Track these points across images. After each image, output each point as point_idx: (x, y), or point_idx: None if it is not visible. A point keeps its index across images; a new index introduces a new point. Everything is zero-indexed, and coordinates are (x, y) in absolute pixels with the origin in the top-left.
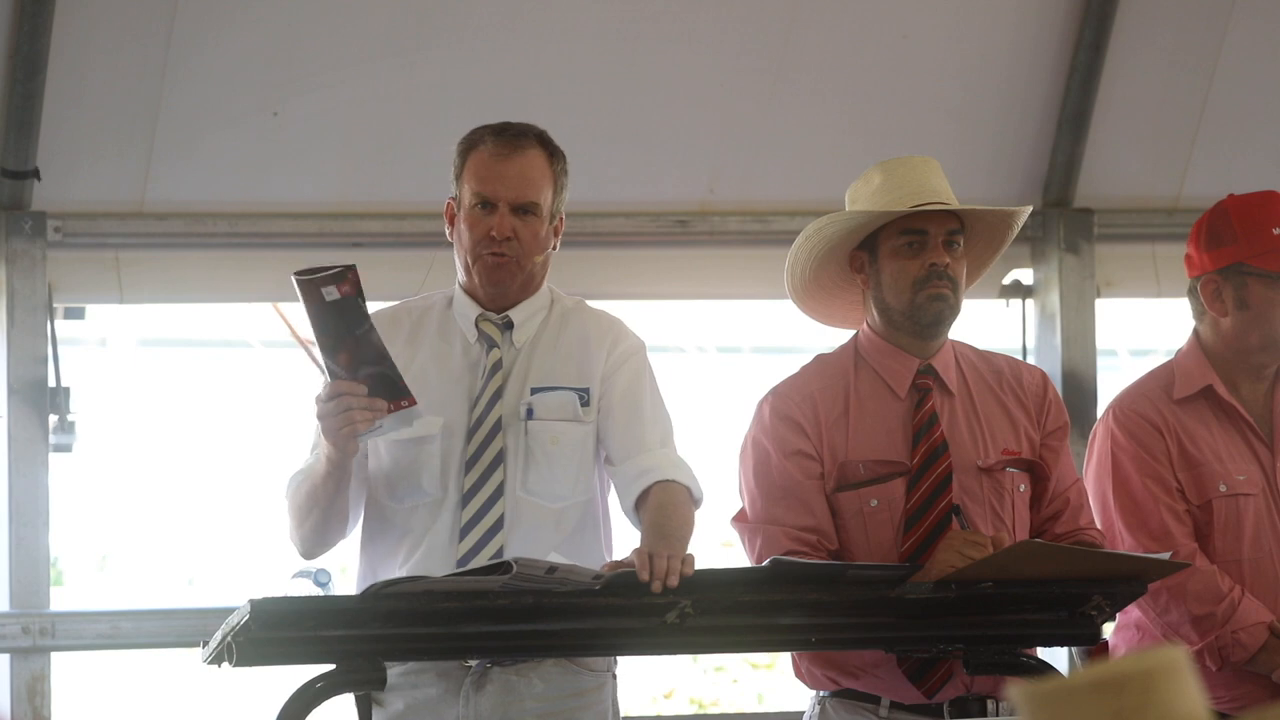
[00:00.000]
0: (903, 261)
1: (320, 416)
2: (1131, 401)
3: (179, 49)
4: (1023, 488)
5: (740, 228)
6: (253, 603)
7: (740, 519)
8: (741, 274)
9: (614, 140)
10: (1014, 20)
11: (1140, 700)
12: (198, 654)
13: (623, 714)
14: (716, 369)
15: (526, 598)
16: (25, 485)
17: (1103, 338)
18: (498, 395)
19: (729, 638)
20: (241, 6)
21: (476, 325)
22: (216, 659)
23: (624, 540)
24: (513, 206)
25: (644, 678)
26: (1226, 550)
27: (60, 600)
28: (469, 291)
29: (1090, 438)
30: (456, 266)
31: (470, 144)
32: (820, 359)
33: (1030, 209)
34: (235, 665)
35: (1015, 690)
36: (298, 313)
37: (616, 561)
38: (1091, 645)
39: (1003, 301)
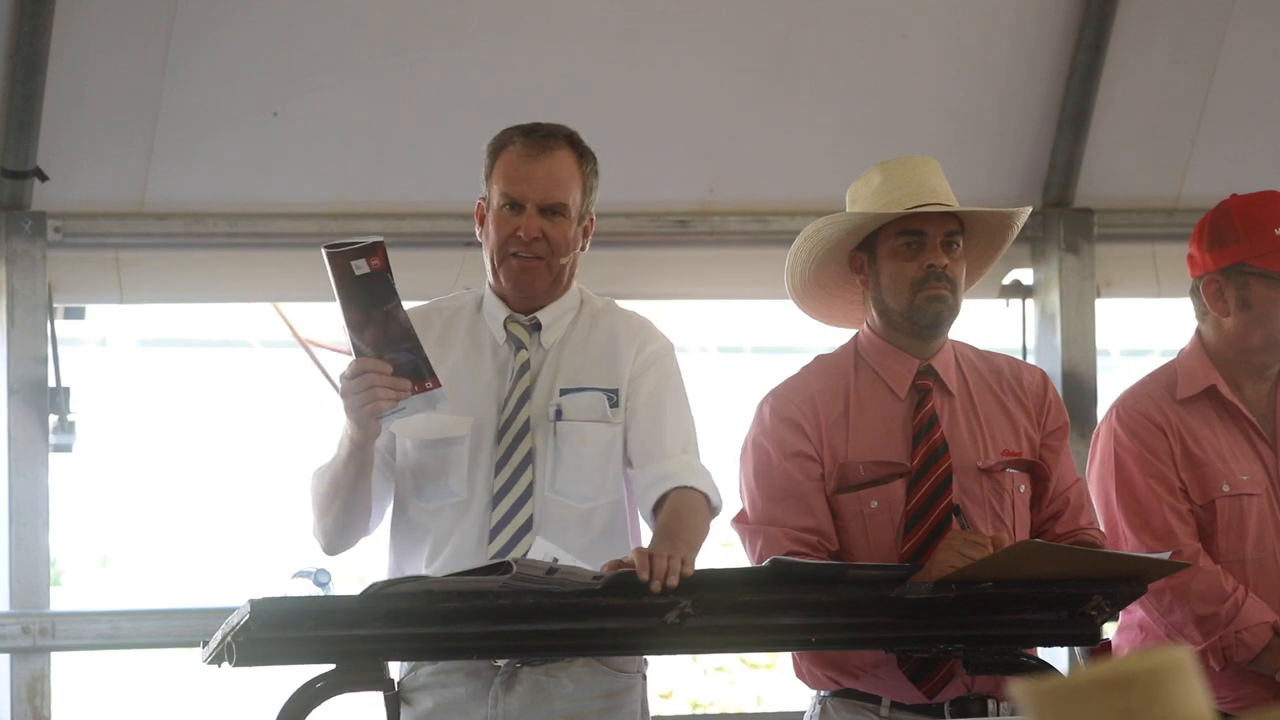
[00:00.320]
0: (901, 262)
1: (344, 394)
2: (1135, 401)
3: (179, 49)
4: (1023, 488)
5: (740, 228)
6: (253, 603)
7: (740, 520)
8: (741, 274)
9: (614, 140)
10: (1014, 20)
11: (1146, 699)
12: (198, 654)
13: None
14: (717, 369)
15: (526, 598)
16: (25, 485)
17: (1101, 338)
18: (526, 396)
19: (729, 638)
20: (241, 6)
21: (505, 327)
22: (216, 659)
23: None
24: (540, 207)
25: None
26: (1230, 550)
27: (60, 600)
28: (498, 293)
29: (1093, 438)
30: (485, 267)
31: (500, 145)
32: (820, 360)
33: (1029, 210)
34: (235, 665)
35: (1019, 689)
36: (297, 313)
37: (617, 561)
38: (1092, 645)
39: (1003, 301)
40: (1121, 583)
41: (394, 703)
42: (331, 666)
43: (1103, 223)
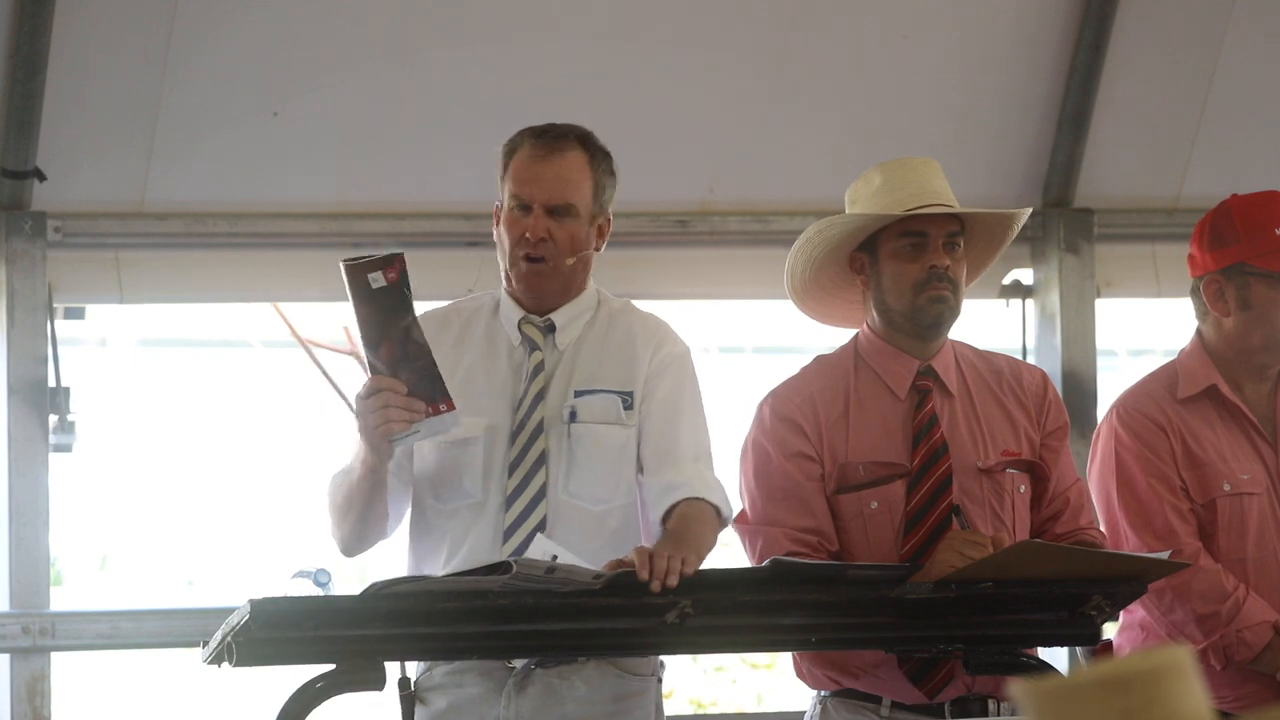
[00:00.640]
0: (903, 263)
1: (358, 414)
2: (1135, 401)
3: (179, 49)
4: (1023, 488)
5: (740, 228)
6: (253, 603)
7: (741, 521)
8: (741, 274)
9: (614, 140)
10: (1014, 20)
11: (1146, 699)
12: (198, 654)
13: None
14: (718, 369)
15: (526, 598)
16: (25, 485)
17: (1101, 338)
18: (539, 398)
19: (729, 638)
20: (241, 6)
21: (520, 328)
22: (216, 659)
23: None
24: (548, 208)
25: None
26: (1231, 549)
27: (60, 600)
28: (512, 295)
29: (1094, 437)
30: (500, 269)
31: (512, 147)
32: (820, 360)
33: (1030, 210)
34: (235, 665)
35: (1019, 689)
36: (297, 312)
37: (618, 560)
38: (1092, 645)
39: (1003, 301)
40: (1121, 583)
41: (409, 702)
42: (331, 666)
43: (1103, 223)
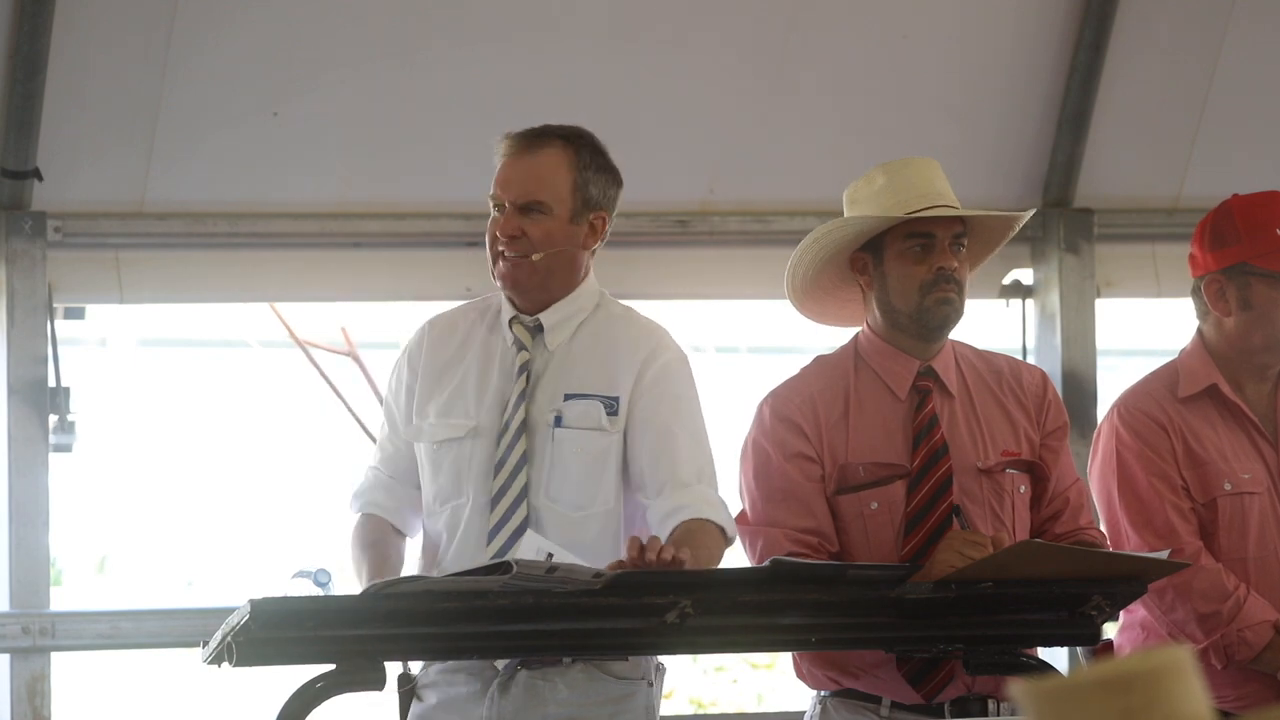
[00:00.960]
0: (910, 265)
1: None
2: (1136, 400)
3: (179, 49)
4: (1023, 489)
5: (740, 228)
6: (253, 603)
7: (741, 521)
8: (741, 274)
9: (614, 140)
10: (1014, 20)
11: (1146, 699)
12: (198, 654)
13: None
14: (716, 369)
15: (526, 598)
16: (25, 485)
17: (1101, 338)
18: (523, 399)
19: (729, 638)
20: (241, 6)
21: (510, 328)
22: (216, 659)
23: None
24: (518, 206)
25: None
26: (1231, 549)
27: (60, 600)
28: (506, 296)
29: (1095, 436)
30: None
31: (497, 149)
32: (820, 360)
33: (1033, 211)
34: (235, 665)
35: (1019, 689)
36: (294, 313)
37: (619, 561)
38: (1092, 645)
39: (1003, 301)
40: (1121, 583)
41: (408, 697)
42: (331, 666)
43: (1103, 223)
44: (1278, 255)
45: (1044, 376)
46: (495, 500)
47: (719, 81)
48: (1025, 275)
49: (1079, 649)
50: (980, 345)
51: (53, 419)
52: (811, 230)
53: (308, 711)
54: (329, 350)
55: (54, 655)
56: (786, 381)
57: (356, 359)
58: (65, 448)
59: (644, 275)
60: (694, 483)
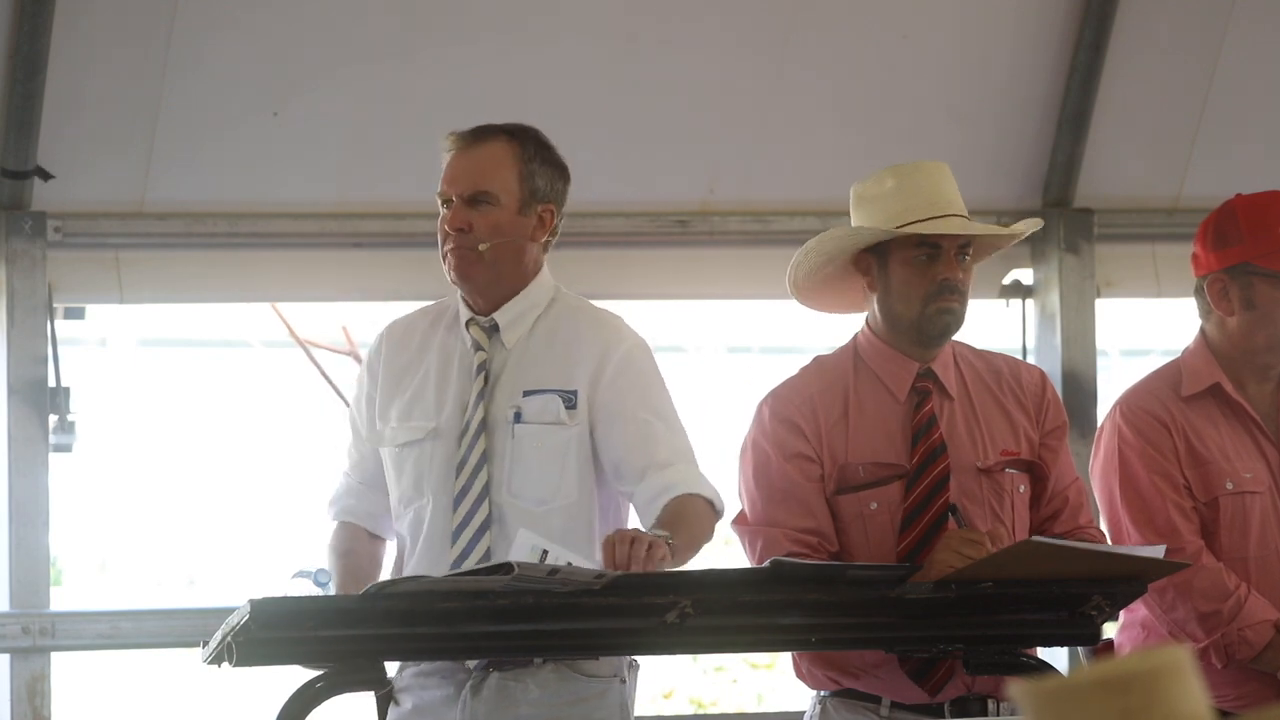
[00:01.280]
0: (915, 273)
1: None
2: (1139, 399)
3: (179, 49)
4: (1022, 488)
5: (740, 228)
6: (253, 603)
7: (740, 521)
8: (741, 274)
9: (614, 140)
10: (1014, 20)
11: (1146, 700)
12: (198, 654)
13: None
14: (721, 369)
15: (527, 598)
16: (25, 485)
17: (1102, 338)
18: (482, 398)
19: (729, 638)
20: (241, 6)
21: (467, 329)
22: (216, 659)
23: None
24: (465, 198)
25: (644, 678)
26: (1233, 548)
27: (60, 600)
28: (462, 297)
29: (1097, 435)
30: None
31: (444, 148)
32: (819, 361)
33: (1039, 224)
34: (235, 665)
35: (1018, 689)
36: (295, 313)
37: (610, 545)
38: (1092, 645)
39: (1003, 301)
40: (1121, 582)
41: (385, 700)
42: (331, 666)
43: (1103, 223)
44: None
45: (1043, 376)
46: (458, 500)
47: (719, 81)
48: (1025, 275)
49: (1079, 649)
50: (980, 345)
51: (53, 419)
52: (813, 229)
53: (308, 711)
54: (330, 350)
55: (54, 655)
56: (785, 382)
57: (358, 359)
58: (65, 448)
59: (644, 275)
60: (674, 462)
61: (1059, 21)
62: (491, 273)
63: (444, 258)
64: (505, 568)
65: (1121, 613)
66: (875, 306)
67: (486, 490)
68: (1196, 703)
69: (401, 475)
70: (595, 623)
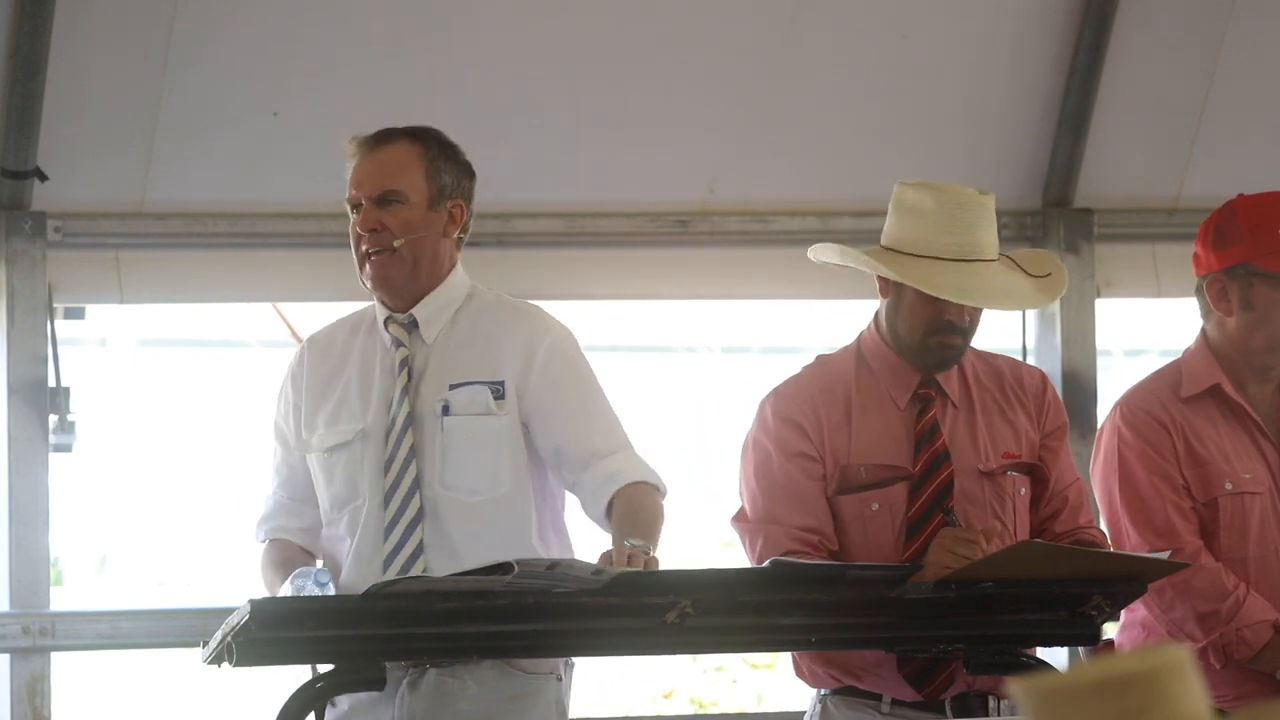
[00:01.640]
0: (925, 303)
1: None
2: (1139, 399)
3: (179, 49)
4: (1023, 491)
5: (740, 228)
6: (253, 603)
7: (740, 519)
8: (741, 274)
9: (614, 140)
10: (1014, 20)
11: (1145, 701)
12: (198, 654)
13: (619, 715)
14: (719, 369)
15: (527, 597)
16: (25, 485)
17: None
18: (406, 393)
19: (729, 638)
20: (241, 6)
21: (386, 328)
22: (216, 659)
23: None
24: (374, 199)
25: (644, 678)
26: (1232, 548)
27: (60, 600)
28: (378, 298)
29: (1097, 435)
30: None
31: (347, 154)
32: (821, 360)
33: (1063, 290)
34: (235, 665)
35: (1018, 687)
36: (296, 313)
37: (609, 552)
38: (1092, 645)
39: None
40: (1121, 583)
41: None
42: (331, 667)
43: (1103, 223)
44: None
45: (1044, 377)
46: (388, 497)
47: (719, 81)
48: None
49: (1079, 649)
50: (980, 345)
51: (53, 419)
52: (813, 229)
53: (308, 711)
54: None
55: (54, 655)
56: (788, 380)
57: None
58: (65, 448)
59: (644, 275)
60: (614, 450)
61: (1059, 21)
62: (409, 270)
63: (360, 266)
64: (505, 567)
65: (1121, 612)
66: (883, 313)
67: (417, 484)
68: (1197, 703)
69: (332, 480)
70: (595, 623)
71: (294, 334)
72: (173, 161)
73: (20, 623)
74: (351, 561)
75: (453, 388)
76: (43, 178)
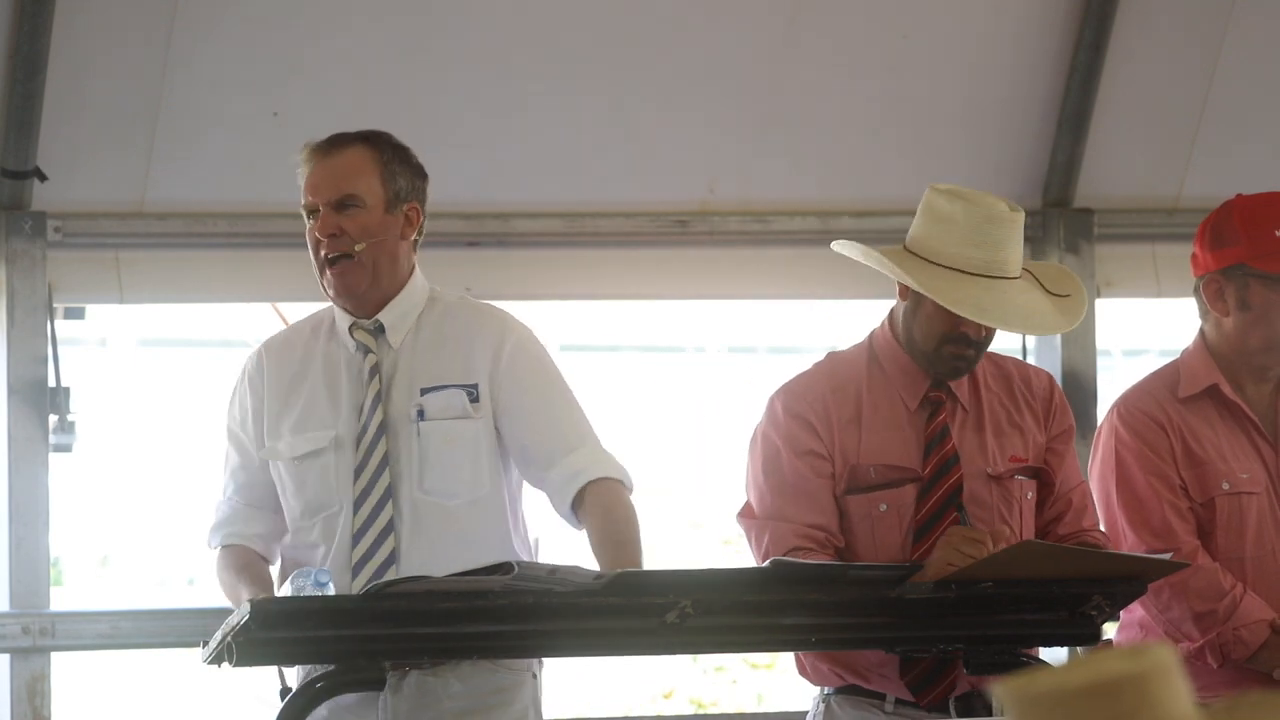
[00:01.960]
0: (942, 314)
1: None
2: (1137, 399)
3: (179, 49)
4: (1030, 494)
5: (740, 228)
6: (253, 603)
7: (746, 514)
8: (741, 274)
9: (614, 140)
10: (1014, 20)
11: (1135, 705)
12: (198, 654)
13: (619, 715)
14: (724, 369)
15: (526, 598)
16: (25, 485)
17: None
18: (378, 399)
19: (729, 638)
20: (241, 6)
21: (351, 334)
22: (216, 659)
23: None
24: (332, 204)
25: (644, 678)
26: (1229, 548)
27: (60, 600)
28: (339, 304)
29: (1095, 435)
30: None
31: (300, 160)
32: (832, 358)
33: (1084, 313)
34: (235, 665)
35: (1003, 689)
36: (295, 313)
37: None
38: (1092, 645)
39: None
40: (1121, 583)
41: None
42: (331, 667)
43: (1103, 223)
44: (1276, 257)
45: (1051, 379)
46: (358, 504)
47: (719, 81)
48: None
49: (1079, 649)
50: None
51: (53, 419)
52: (813, 229)
53: (308, 711)
54: None
55: (54, 655)
56: (798, 377)
57: None
58: (65, 448)
59: (644, 275)
60: (579, 446)
61: (1059, 21)
62: (370, 276)
63: (320, 272)
64: (505, 568)
65: (1120, 612)
66: (899, 316)
67: (389, 493)
68: (1184, 704)
69: (303, 487)
70: (595, 623)
71: None
72: (173, 161)
73: (20, 623)
74: (329, 567)
75: (424, 392)
76: (43, 178)
